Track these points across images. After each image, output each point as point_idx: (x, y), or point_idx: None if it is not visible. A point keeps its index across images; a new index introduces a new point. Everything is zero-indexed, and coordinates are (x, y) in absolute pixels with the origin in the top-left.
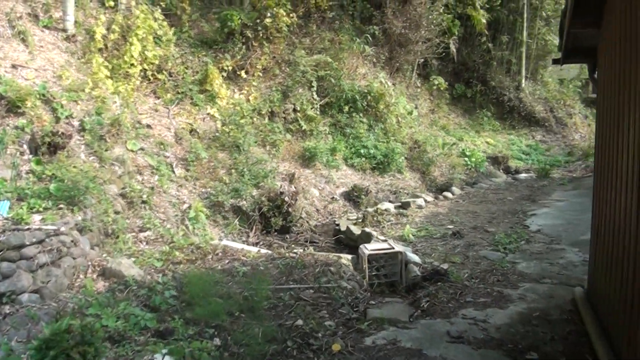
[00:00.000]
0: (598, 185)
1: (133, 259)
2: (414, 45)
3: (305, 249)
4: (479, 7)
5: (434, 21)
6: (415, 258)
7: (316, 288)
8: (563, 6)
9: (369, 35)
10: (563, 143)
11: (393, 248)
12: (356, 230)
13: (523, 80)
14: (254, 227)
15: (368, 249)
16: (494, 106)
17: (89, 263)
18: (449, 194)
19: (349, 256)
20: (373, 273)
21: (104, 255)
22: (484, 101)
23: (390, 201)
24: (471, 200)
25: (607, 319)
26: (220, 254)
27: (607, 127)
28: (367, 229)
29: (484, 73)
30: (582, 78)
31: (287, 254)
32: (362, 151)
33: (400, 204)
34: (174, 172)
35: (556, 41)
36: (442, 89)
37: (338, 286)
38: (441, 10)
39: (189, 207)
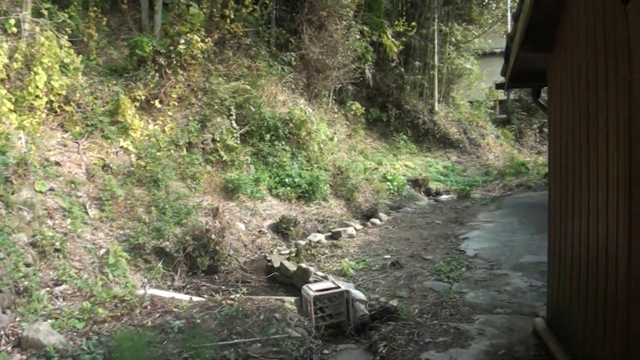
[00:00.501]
0: (557, 212)
1: (51, 322)
2: (331, 71)
3: (239, 290)
4: (389, 36)
5: (350, 47)
6: (359, 295)
7: (264, 341)
8: (510, 30)
9: (286, 61)
10: (478, 163)
11: (339, 287)
12: (291, 267)
13: (436, 103)
14: (179, 270)
15: (313, 289)
16: (410, 129)
17: (2, 333)
18: (376, 221)
19: (292, 299)
20: (318, 315)
21: (18, 319)
22: (400, 125)
23: (319, 231)
24: (400, 226)
25: (579, 350)
26: (148, 307)
27: (565, 154)
28: (303, 265)
29: (398, 97)
30: (492, 100)
31: (223, 301)
32: (286, 180)
33: (330, 233)
34: (87, 213)
35: (467, 65)
36: (359, 114)
37: (288, 336)
38: (357, 37)
39: (107, 253)
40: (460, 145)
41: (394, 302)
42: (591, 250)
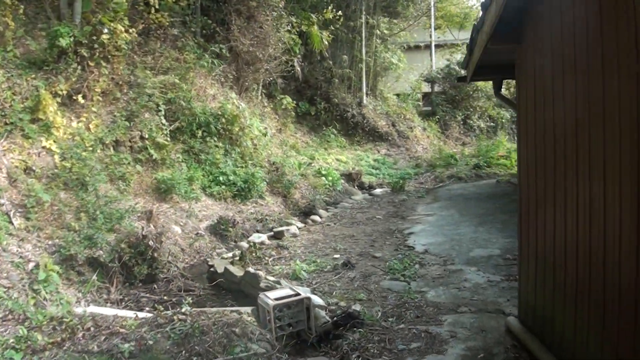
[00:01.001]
0: (531, 208)
1: None
2: (262, 64)
3: (183, 301)
4: (316, 28)
5: (281, 39)
6: (318, 300)
7: None
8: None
9: (216, 53)
10: (408, 155)
11: (298, 294)
12: (237, 272)
13: (364, 97)
14: (115, 281)
15: (271, 298)
16: (339, 123)
17: None
18: (316, 218)
19: (249, 309)
20: (277, 325)
21: None
22: (329, 118)
23: (258, 231)
24: (342, 223)
25: (568, 352)
26: (91, 328)
27: (542, 146)
28: (251, 269)
29: (326, 91)
30: (418, 92)
31: (174, 317)
32: (220, 178)
33: (272, 233)
34: (12, 223)
35: (393, 58)
36: (290, 108)
37: (253, 353)
38: (287, 28)
39: (37, 267)
40: (390, 138)
41: (357, 307)
42: (581, 247)
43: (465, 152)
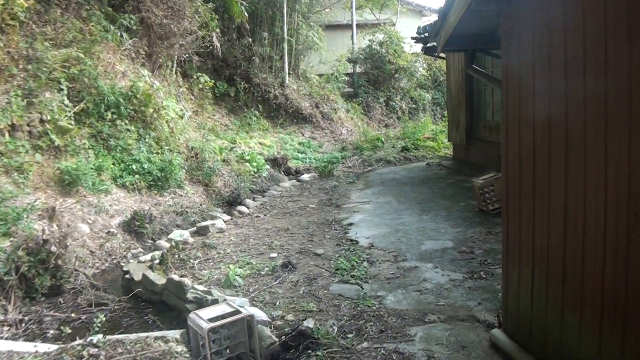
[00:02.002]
0: (520, 200)
1: None
2: (176, 39)
3: (95, 319)
4: None
5: (197, 10)
6: (260, 315)
7: None
8: None
9: (125, 25)
10: (333, 138)
11: (238, 311)
12: (158, 279)
13: (287, 77)
14: (13, 297)
15: (205, 318)
16: (261, 104)
17: None
18: (243, 209)
19: (178, 333)
20: (213, 350)
21: None
22: (250, 99)
23: (178, 225)
24: (273, 214)
25: None
26: None
27: (540, 129)
28: (174, 277)
29: (246, 70)
30: (342, 74)
31: (84, 352)
32: (134, 167)
33: (195, 229)
34: None
35: (315, 37)
36: (207, 87)
37: None
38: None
39: None
40: (314, 120)
41: (309, 323)
42: (590, 246)
43: (391, 134)
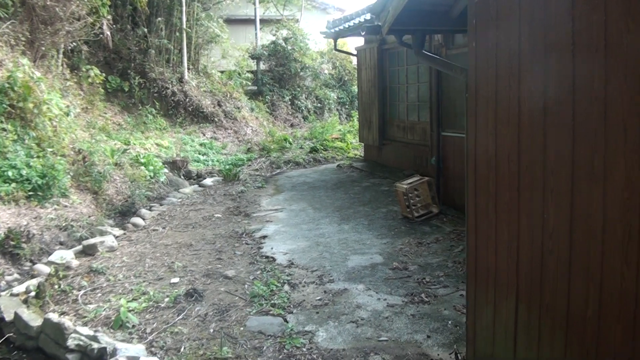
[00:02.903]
0: (496, 215)
1: None
2: (63, 24)
3: None
4: None
5: None
6: None
7: None
8: None
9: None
10: (237, 139)
11: None
12: (33, 319)
13: (186, 72)
14: None
15: None
16: (158, 101)
17: None
18: (139, 220)
19: None
20: None
21: None
22: (145, 96)
23: (61, 242)
24: (173, 226)
25: None
26: None
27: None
28: (52, 317)
29: (141, 63)
30: (248, 70)
31: None
32: (9, 173)
33: (81, 247)
34: None
35: (217, 29)
36: (98, 82)
37: None
38: None
39: None
40: (216, 119)
41: None
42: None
43: (298, 135)
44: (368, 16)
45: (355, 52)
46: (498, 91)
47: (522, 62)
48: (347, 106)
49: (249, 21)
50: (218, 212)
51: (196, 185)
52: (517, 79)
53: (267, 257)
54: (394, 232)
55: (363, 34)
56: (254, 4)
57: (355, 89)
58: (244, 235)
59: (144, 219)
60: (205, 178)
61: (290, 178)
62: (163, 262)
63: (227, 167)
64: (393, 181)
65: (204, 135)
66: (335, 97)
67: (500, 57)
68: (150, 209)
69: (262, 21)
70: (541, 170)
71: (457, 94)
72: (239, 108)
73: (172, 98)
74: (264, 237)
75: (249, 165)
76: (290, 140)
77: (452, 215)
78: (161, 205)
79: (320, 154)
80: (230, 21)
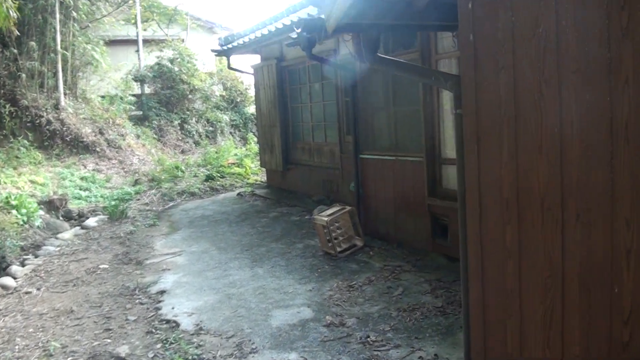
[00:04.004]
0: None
1: None
2: None
3: None
4: None
5: None
6: None
7: None
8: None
9: None
10: (122, 170)
11: None
12: None
13: (62, 98)
14: None
15: None
16: (31, 132)
17: None
18: (8, 281)
19: None
20: None
21: None
22: (17, 126)
23: None
24: (50, 285)
25: None
26: None
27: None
28: None
29: (12, 89)
30: (128, 94)
31: None
32: None
33: None
34: None
35: (95, 51)
36: None
37: None
38: None
39: None
40: (98, 148)
41: None
42: None
43: (190, 161)
44: (266, 31)
45: (251, 71)
46: (520, 104)
47: (561, 59)
48: (241, 129)
49: (131, 42)
50: (104, 262)
51: (78, 228)
52: (557, 84)
53: (168, 321)
54: (318, 274)
55: (297, 31)
56: (137, 24)
57: (248, 110)
58: (137, 292)
59: (15, 278)
60: (88, 218)
61: (186, 211)
62: (37, 342)
63: (113, 203)
64: (303, 209)
65: (85, 167)
66: (228, 120)
67: (521, 51)
68: (23, 264)
69: (146, 42)
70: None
71: (377, 112)
72: (123, 135)
73: (48, 127)
74: (162, 292)
75: (138, 199)
76: (183, 168)
77: (378, 248)
78: (36, 257)
79: (218, 182)
80: (112, 42)
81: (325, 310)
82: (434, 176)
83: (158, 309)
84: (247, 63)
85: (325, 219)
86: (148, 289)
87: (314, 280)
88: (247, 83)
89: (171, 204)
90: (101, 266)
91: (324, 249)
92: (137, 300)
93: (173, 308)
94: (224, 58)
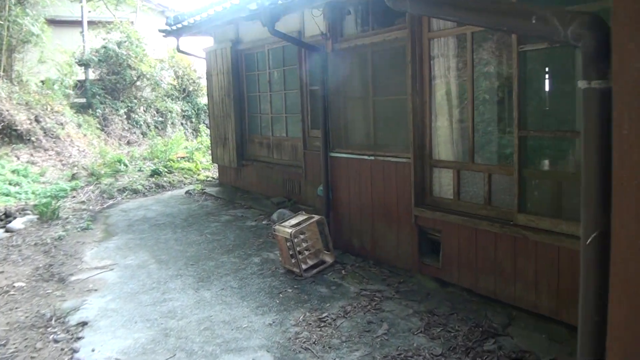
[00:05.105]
0: None
1: None
2: None
3: None
4: None
5: None
6: None
7: None
8: None
9: None
10: (60, 162)
11: None
12: None
13: None
14: None
15: None
16: None
17: None
18: None
19: None
20: None
21: None
22: None
23: None
24: None
25: None
26: None
27: None
28: None
29: None
30: (76, 80)
31: None
32: None
33: None
34: None
35: (33, 28)
36: None
37: None
38: None
39: None
40: (33, 138)
41: None
42: None
43: (136, 154)
44: (220, 8)
45: (203, 55)
46: None
47: None
48: (193, 120)
49: (76, 22)
50: (22, 278)
51: (2, 230)
52: None
53: None
54: (280, 300)
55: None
56: (81, 3)
57: (201, 100)
58: (53, 322)
59: None
60: (15, 218)
61: (126, 212)
62: None
63: (45, 200)
64: (260, 212)
65: (18, 159)
66: (179, 110)
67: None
68: None
69: (91, 23)
70: None
71: (353, 102)
72: (62, 124)
73: None
74: (84, 324)
75: (74, 197)
76: (126, 161)
77: (351, 265)
78: None
79: (164, 178)
80: (54, 22)
81: (291, 357)
82: (423, 181)
83: (75, 351)
84: (199, 47)
85: (289, 230)
86: (67, 319)
87: (274, 310)
88: (201, 72)
89: (110, 202)
90: (17, 284)
91: (286, 265)
92: (51, 336)
93: (93, 350)
94: (176, 43)
